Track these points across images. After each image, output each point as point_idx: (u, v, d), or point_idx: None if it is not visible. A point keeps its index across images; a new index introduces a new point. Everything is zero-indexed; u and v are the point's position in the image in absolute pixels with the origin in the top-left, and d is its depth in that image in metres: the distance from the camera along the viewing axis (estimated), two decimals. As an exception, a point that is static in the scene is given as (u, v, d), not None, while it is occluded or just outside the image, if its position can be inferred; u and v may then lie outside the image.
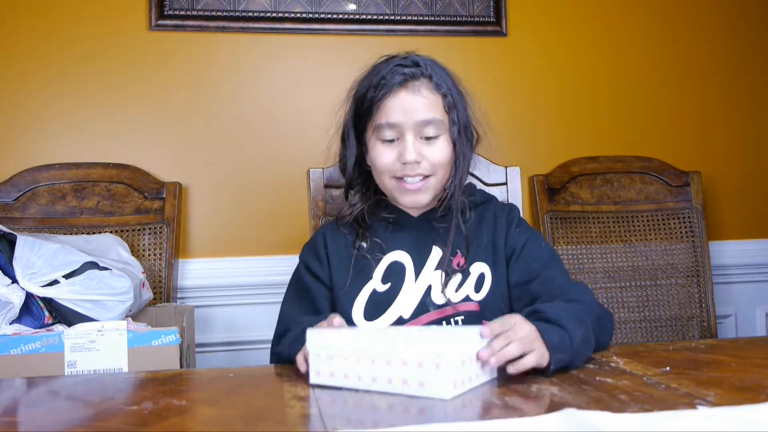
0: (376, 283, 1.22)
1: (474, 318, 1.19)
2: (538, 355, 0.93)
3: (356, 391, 0.88)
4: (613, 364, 1.00)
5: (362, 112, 1.23)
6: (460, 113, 1.23)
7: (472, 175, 1.52)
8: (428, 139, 1.20)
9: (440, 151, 1.21)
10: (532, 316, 1.01)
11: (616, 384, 0.88)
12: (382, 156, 1.21)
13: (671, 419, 0.72)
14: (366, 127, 1.24)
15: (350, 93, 1.28)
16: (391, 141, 1.21)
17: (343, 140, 1.30)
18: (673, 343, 1.17)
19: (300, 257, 1.31)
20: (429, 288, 1.21)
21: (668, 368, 0.96)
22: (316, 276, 1.26)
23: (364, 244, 1.25)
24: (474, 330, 0.92)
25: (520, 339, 0.93)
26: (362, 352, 0.89)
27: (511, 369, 0.92)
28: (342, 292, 1.23)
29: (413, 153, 1.18)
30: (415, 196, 1.22)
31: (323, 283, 1.25)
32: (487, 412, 0.80)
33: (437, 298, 1.21)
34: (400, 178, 1.21)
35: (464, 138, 1.24)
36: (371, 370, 0.88)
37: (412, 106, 1.19)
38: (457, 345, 0.89)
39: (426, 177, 1.21)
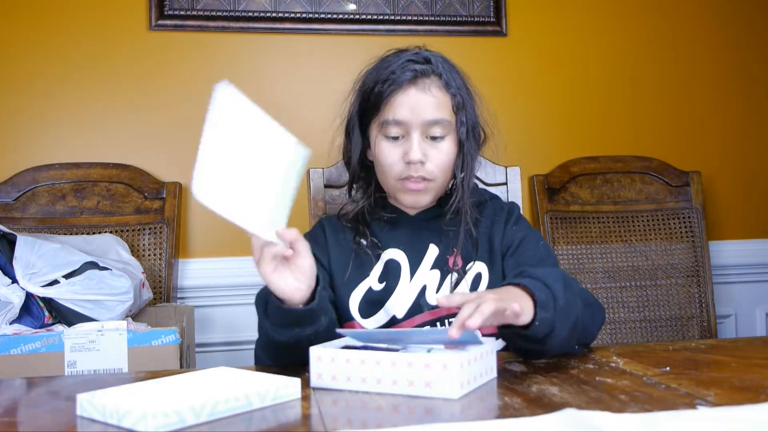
0: (372, 281, 1.21)
1: None
2: (519, 307, 0.90)
3: (358, 392, 0.88)
4: (613, 364, 1.00)
5: (368, 107, 1.21)
6: (469, 113, 1.21)
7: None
8: (434, 139, 1.18)
9: (445, 153, 1.19)
10: (518, 277, 1.00)
11: (616, 384, 0.88)
12: (387, 154, 1.19)
13: (671, 419, 0.72)
14: (371, 121, 1.22)
15: (356, 85, 1.26)
16: (396, 138, 1.18)
17: (348, 133, 1.28)
18: (673, 343, 1.17)
19: None
20: (424, 288, 1.20)
21: (668, 368, 0.96)
22: (316, 257, 1.25)
23: (364, 241, 1.24)
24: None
25: (496, 295, 0.89)
26: (366, 354, 0.89)
27: (477, 318, 0.84)
28: (340, 282, 1.22)
29: (418, 152, 1.16)
30: (417, 197, 1.21)
31: (322, 265, 1.24)
32: (487, 413, 0.81)
33: (432, 298, 1.19)
34: (403, 179, 1.20)
35: (472, 139, 1.22)
36: (375, 372, 0.87)
37: (420, 104, 1.16)
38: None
39: (426, 180, 1.20)
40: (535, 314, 0.95)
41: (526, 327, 0.96)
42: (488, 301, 0.87)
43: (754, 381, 0.88)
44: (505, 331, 1.01)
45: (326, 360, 0.90)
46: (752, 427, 0.69)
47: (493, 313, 0.87)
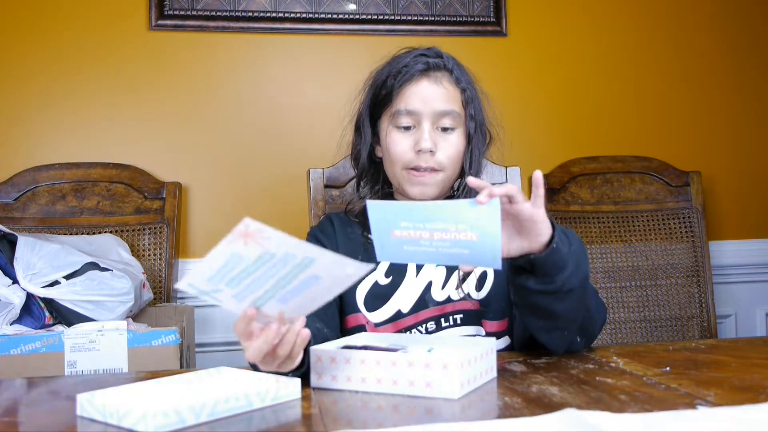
0: (379, 276, 1.22)
1: (472, 316, 1.20)
2: (541, 175, 0.95)
3: (358, 392, 0.88)
4: (613, 364, 1.00)
5: (380, 100, 1.24)
6: (477, 109, 1.25)
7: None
8: (444, 130, 1.21)
9: (454, 144, 1.22)
10: None
11: (616, 384, 0.88)
12: (397, 144, 1.21)
13: (671, 419, 0.72)
14: (382, 115, 1.25)
15: (367, 82, 1.29)
16: (407, 129, 1.21)
17: (357, 129, 1.30)
18: (673, 343, 1.17)
19: (307, 238, 1.31)
20: (429, 284, 1.21)
21: (668, 368, 0.96)
22: (324, 247, 1.25)
23: (371, 236, 1.25)
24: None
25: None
26: (366, 353, 0.89)
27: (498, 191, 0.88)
28: None
29: (429, 141, 1.18)
30: (423, 188, 1.22)
31: None
32: (487, 413, 0.81)
33: (437, 294, 1.21)
34: (412, 169, 1.21)
35: (479, 135, 1.25)
36: (376, 372, 0.87)
37: (432, 95, 1.20)
38: (461, 345, 0.89)
39: (435, 171, 1.21)
40: (553, 237, 0.96)
41: (543, 251, 0.96)
42: (513, 185, 0.94)
43: (754, 381, 0.88)
44: (519, 261, 0.99)
45: (326, 360, 0.90)
46: (752, 427, 0.69)
47: (518, 193, 0.93)
